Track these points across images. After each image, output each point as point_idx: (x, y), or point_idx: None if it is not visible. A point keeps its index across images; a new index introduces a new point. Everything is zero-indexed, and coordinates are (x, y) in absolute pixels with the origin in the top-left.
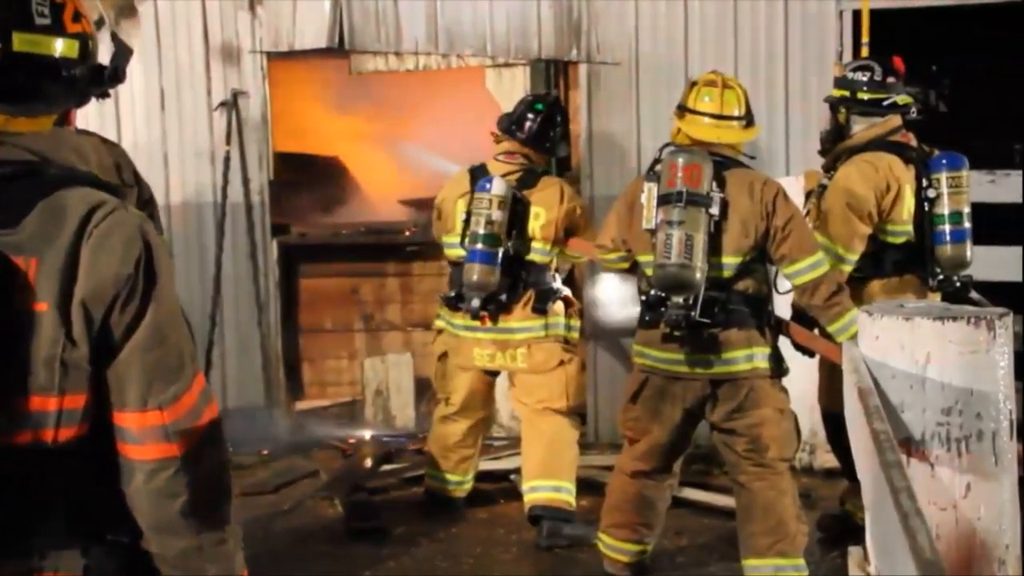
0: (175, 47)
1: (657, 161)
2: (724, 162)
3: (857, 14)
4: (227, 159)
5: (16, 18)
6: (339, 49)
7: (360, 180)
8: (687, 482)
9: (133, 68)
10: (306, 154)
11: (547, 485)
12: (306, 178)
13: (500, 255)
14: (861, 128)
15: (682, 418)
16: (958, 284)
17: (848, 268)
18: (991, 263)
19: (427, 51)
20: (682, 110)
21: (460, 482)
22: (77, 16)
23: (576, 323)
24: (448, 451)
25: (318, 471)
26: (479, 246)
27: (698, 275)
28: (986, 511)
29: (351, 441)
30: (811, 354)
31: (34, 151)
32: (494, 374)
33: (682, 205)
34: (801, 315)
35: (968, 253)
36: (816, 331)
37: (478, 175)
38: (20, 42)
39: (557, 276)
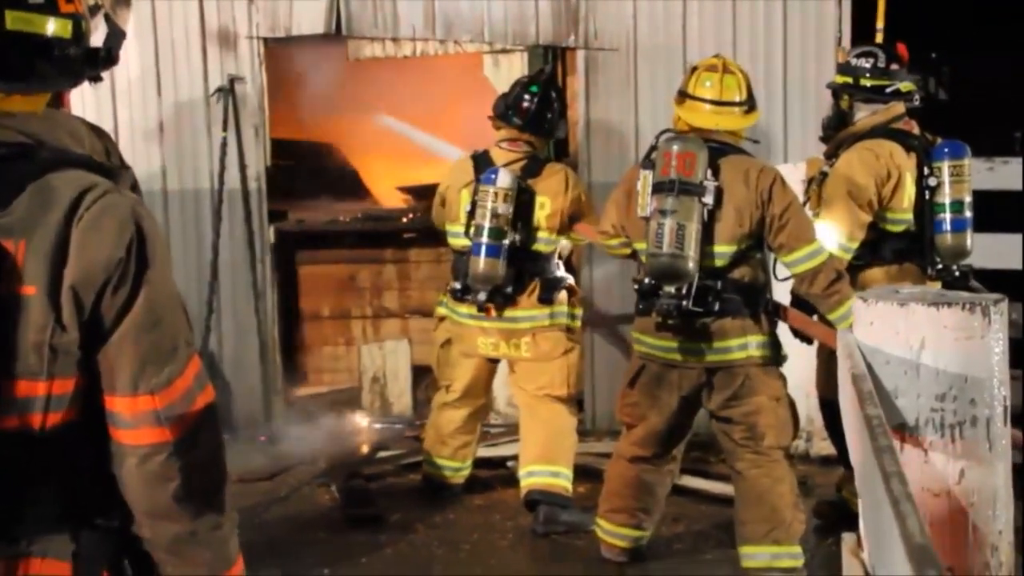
0: (171, 32)
1: (653, 148)
2: (721, 149)
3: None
4: (224, 145)
5: None
6: (336, 35)
7: (357, 167)
8: (685, 469)
9: (129, 53)
10: (303, 140)
11: (545, 470)
12: (303, 164)
13: (505, 247)
14: (863, 115)
15: (679, 405)
16: (957, 273)
17: (848, 256)
18: (990, 251)
19: (424, 37)
20: (682, 96)
21: (458, 468)
22: None
23: (579, 311)
24: (447, 437)
25: (315, 458)
26: (484, 239)
27: (690, 265)
28: (979, 497)
29: (347, 428)
30: (809, 341)
31: (27, 133)
32: (496, 361)
33: (675, 194)
34: (800, 303)
35: (968, 242)
36: (815, 318)
37: (481, 163)
38: (13, 20)
39: (561, 264)
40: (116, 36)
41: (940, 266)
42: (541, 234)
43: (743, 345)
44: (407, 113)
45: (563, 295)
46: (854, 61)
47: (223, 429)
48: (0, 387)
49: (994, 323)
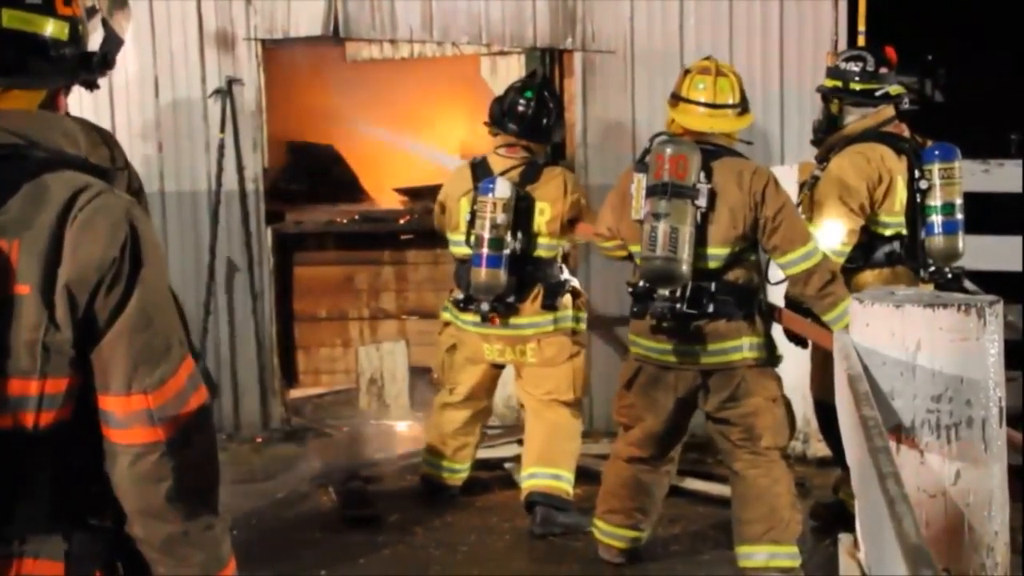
0: (169, 34)
1: (647, 151)
2: (715, 151)
3: (853, 2)
4: (221, 147)
5: None
6: (334, 37)
7: (355, 168)
8: (682, 470)
9: (127, 55)
10: (301, 142)
11: (546, 472)
12: (301, 166)
13: (506, 256)
14: (853, 119)
15: (675, 407)
16: (950, 275)
17: (840, 260)
18: (986, 253)
19: (422, 39)
20: (676, 98)
21: (457, 470)
22: (68, 0)
23: (583, 315)
24: (448, 438)
25: (313, 459)
26: (484, 250)
27: (684, 268)
28: (975, 498)
29: (345, 429)
30: (803, 344)
31: (21, 134)
32: (502, 366)
33: (668, 197)
34: (795, 305)
35: (960, 245)
36: (809, 320)
37: (480, 171)
38: (9, 18)
39: (564, 268)
40: (113, 42)
41: (932, 268)
42: (542, 240)
43: (738, 347)
44: (404, 114)
45: (567, 299)
46: (843, 65)
47: (220, 430)
48: None
49: (989, 325)
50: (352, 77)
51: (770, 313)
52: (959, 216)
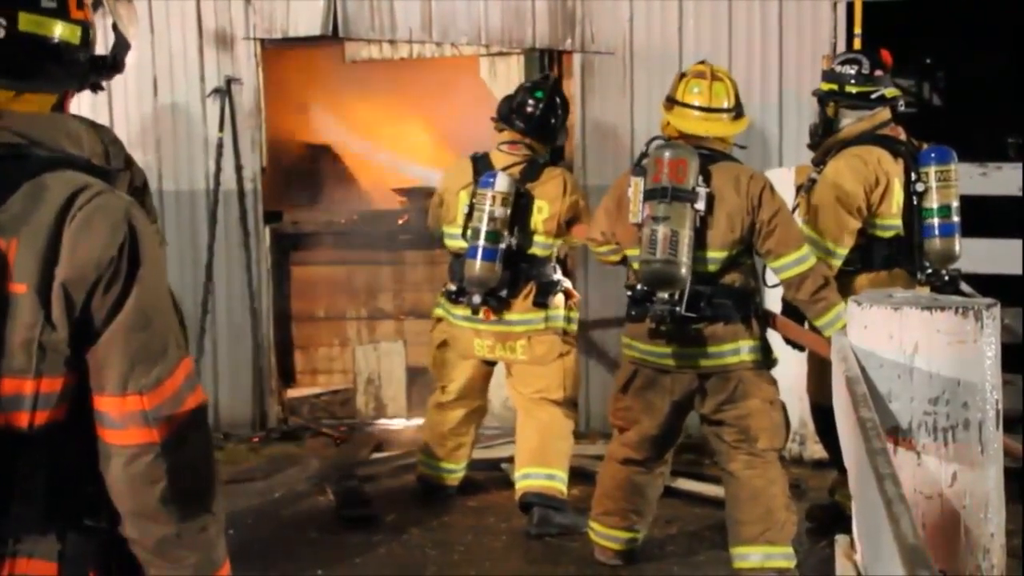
0: (168, 33)
1: (644, 155)
2: (711, 156)
3: (851, 6)
4: (220, 146)
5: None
6: (333, 37)
7: (353, 168)
8: (678, 471)
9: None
10: (299, 142)
11: (540, 473)
12: (299, 166)
13: (502, 250)
14: (850, 122)
15: (671, 410)
16: (947, 278)
17: (837, 263)
18: (984, 256)
19: (421, 39)
20: (671, 102)
21: (453, 470)
22: (81, 4)
23: (575, 315)
24: (443, 438)
25: (310, 459)
26: (481, 242)
27: (683, 271)
28: (972, 500)
29: (342, 429)
30: (801, 347)
31: (23, 134)
32: (492, 363)
33: (667, 201)
34: (792, 309)
35: (957, 247)
36: (805, 324)
37: (481, 166)
38: (25, 22)
39: (558, 268)
40: (122, 45)
41: (929, 271)
42: (538, 238)
43: (735, 350)
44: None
45: (559, 299)
46: (838, 68)
47: (217, 429)
48: None
49: (987, 328)
50: (351, 77)
51: (765, 318)
52: (956, 218)
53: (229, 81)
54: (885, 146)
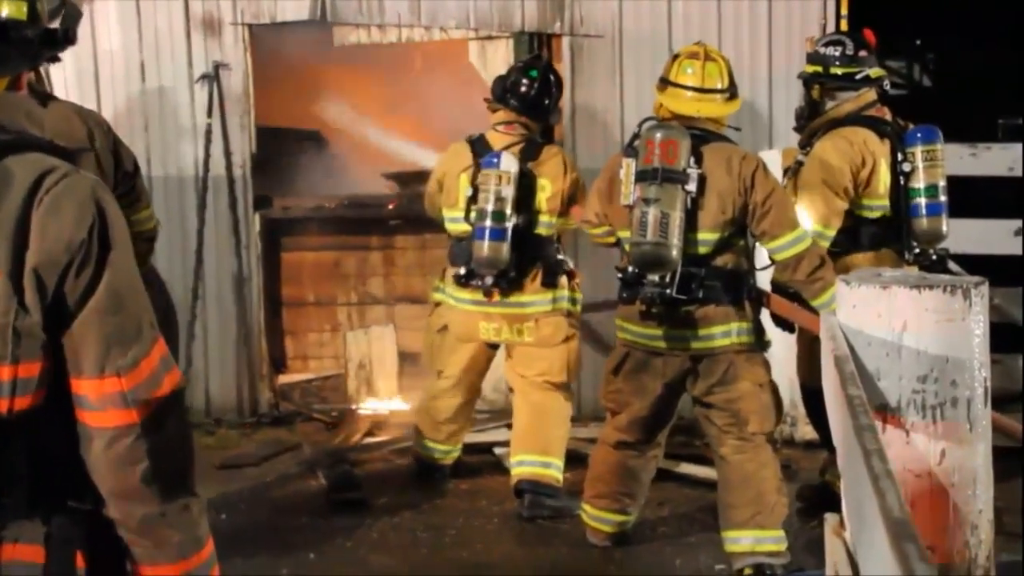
0: (155, 18)
1: (636, 136)
2: (703, 137)
3: None
4: (208, 132)
5: None
6: (321, 21)
7: (342, 153)
8: (669, 454)
9: (113, 40)
10: (288, 127)
11: (536, 460)
12: (288, 151)
13: (509, 230)
14: (835, 103)
15: (663, 391)
16: (935, 257)
17: (825, 244)
18: (973, 236)
19: (410, 24)
20: (664, 83)
21: (449, 451)
22: None
23: (579, 296)
24: (440, 424)
25: (301, 444)
26: (488, 223)
27: (674, 253)
28: (960, 477)
29: (334, 414)
30: (790, 329)
31: None
32: (495, 347)
33: (658, 182)
34: (781, 291)
35: (944, 226)
36: (796, 304)
37: (479, 148)
38: None
39: (561, 248)
40: (72, 16)
41: (917, 250)
42: (542, 217)
43: (727, 332)
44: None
45: (564, 279)
46: (822, 50)
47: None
48: None
49: (975, 306)
50: (339, 62)
51: (759, 298)
52: (943, 198)
53: (217, 66)
54: (871, 127)
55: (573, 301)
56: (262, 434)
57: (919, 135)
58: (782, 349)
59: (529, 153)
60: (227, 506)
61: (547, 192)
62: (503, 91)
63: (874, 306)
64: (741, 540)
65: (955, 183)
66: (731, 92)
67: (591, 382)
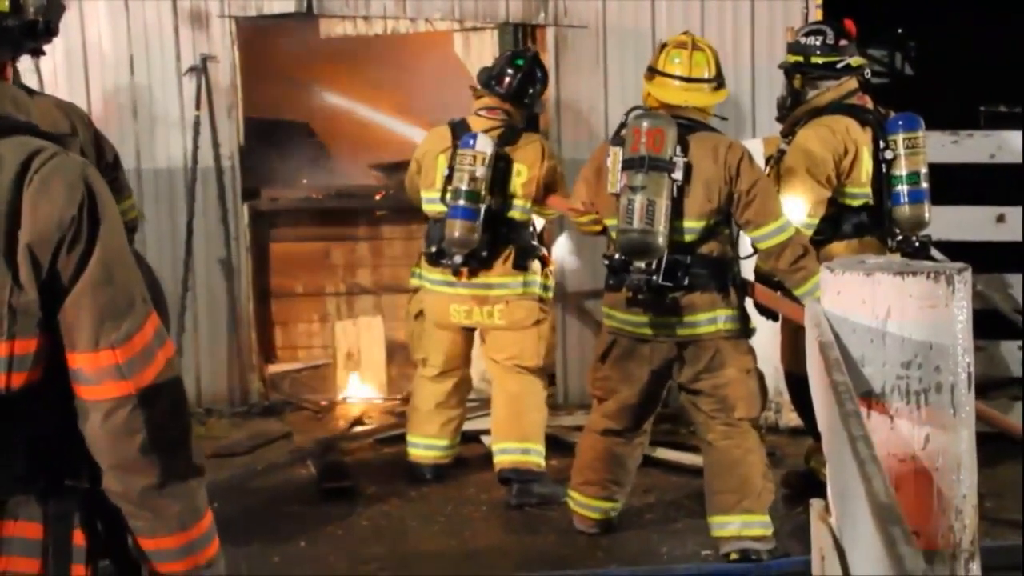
0: (143, 11)
1: (623, 125)
2: (690, 125)
3: None
4: (197, 124)
5: None
6: (308, 14)
7: (330, 144)
8: (656, 441)
9: (102, 33)
10: (276, 119)
11: (516, 448)
12: (276, 143)
13: (482, 212)
14: (817, 92)
15: (650, 378)
16: (917, 244)
17: (808, 232)
18: (955, 223)
19: (395, 16)
20: (652, 72)
21: (445, 446)
22: None
23: (551, 283)
24: (431, 414)
25: (291, 433)
26: (461, 202)
27: (660, 240)
28: (944, 462)
29: (323, 403)
30: (774, 317)
31: None
32: (472, 330)
33: (644, 170)
34: (765, 279)
35: (927, 213)
36: (779, 293)
37: (459, 130)
38: None
39: (536, 234)
40: (56, 9)
41: (900, 238)
42: (517, 202)
43: (712, 319)
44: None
45: (536, 264)
46: (803, 40)
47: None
48: None
49: (958, 292)
50: (326, 54)
51: (743, 287)
52: (925, 185)
53: (205, 59)
54: (853, 115)
55: (545, 287)
56: (252, 423)
57: (901, 123)
58: (766, 336)
59: (507, 138)
60: (218, 495)
61: (523, 177)
62: (488, 78)
63: (858, 293)
64: (728, 525)
65: (937, 170)
66: (718, 82)
67: (577, 370)
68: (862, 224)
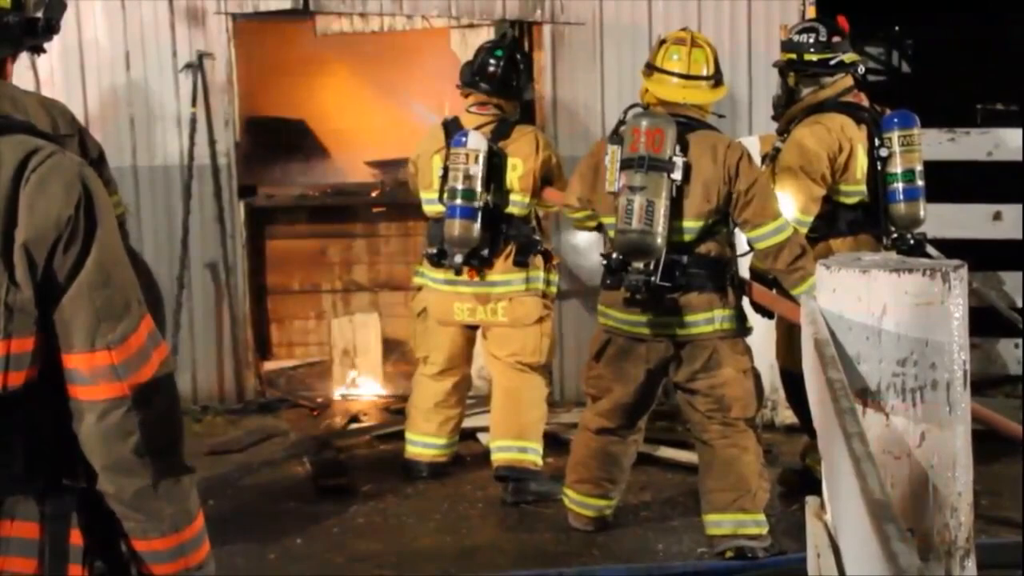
0: (140, 8)
1: (621, 123)
2: (689, 124)
3: None
4: (193, 121)
5: None
6: (304, 11)
7: (326, 142)
8: (651, 438)
9: (98, 29)
10: (272, 116)
11: (514, 446)
12: (272, 140)
13: (480, 209)
14: (811, 90)
15: (645, 378)
16: (912, 242)
17: (804, 230)
18: (951, 221)
19: (392, 12)
20: (650, 68)
21: (442, 445)
22: None
23: (555, 278)
24: (430, 412)
25: (287, 430)
26: (458, 201)
27: (659, 241)
28: (939, 460)
29: (319, 401)
30: (770, 315)
31: None
32: (474, 329)
33: (644, 170)
34: (760, 278)
35: (922, 211)
36: (775, 291)
37: (452, 129)
38: None
39: (537, 229)
40: (57, 7)
41: (895, 235)
42: (514, 196)
43: (709, 319)
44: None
45: (539, 260)
46: (796, 38)
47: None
48: None
49: (954, 289)
50: (323, 51)
51: (741, 287)
52: (920, 182)
53: (201, 56)
54: (848, 112)
55: (548, 283)
56: (248, 421)
57: (896, 120)
58: (763, 334)
59: (501, 132)
60: (214, 492)
61: (519, 171)
62: (472, 75)
63: (854, 290)
64: (723, 524)
65: (933, 168)
66: (716, 79)
67: (573, 367)
68: (857, 221)
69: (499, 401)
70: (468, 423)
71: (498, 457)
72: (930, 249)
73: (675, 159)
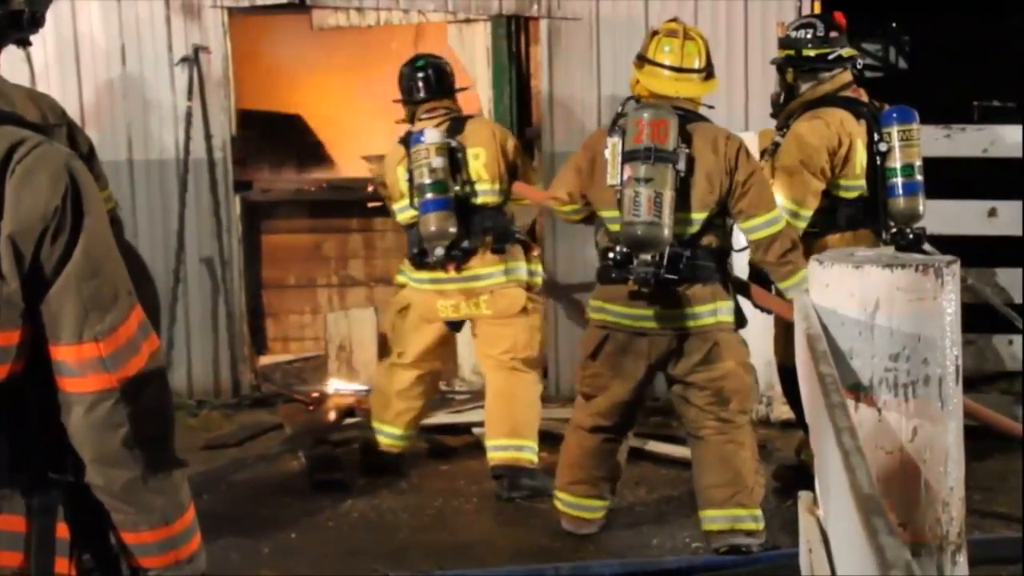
0: (135, 2)
1: (621, 115)
2: (688, 116)
3: None
4: (189, 115)
5: None
6: (300, 5)
7: (322, 136)
8: (646, 434)
9: (94, 23)
10: (268, 111)
11: (511, 444)
12: (268, 134)
13: (451, 200)
14: (810, 85)
15: (645, 373)
16: (911, 236)
17: (802, 225)
18: (947, 217)
19: (388, 7)
20: (641, 60)
21: (397, 435)
22: None
23: (538, 268)
24: (390, 400)
25: (282, 425)
26: (429, 195)
27: (666, 232)
28: (931, 455)
29: (314, 395)
30: (769, 310)
31: None
32: (456, 329)
33: (651, 162)
34: (759, 272)
35: (921, 206)
36: (772, 289)
37: (408, 139)
38: None
39: (514, 218)
40: (42, 0)
41: (894, 230)
42: (482, 185)
43: (712, 311)
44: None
45: (518, 250)
46: (793, 34)
47: (191, 396)
48: None
49: (947, 284)
50: (319, 45)
51: (741, 289)
52: (919, 177)
53: (197, 50)
54: (847, 107)
55: (531, 273)
56: (244, 415)
57: (895, 115)
58: (759, 329)
59: (455, 127)
60: (208, 486)
61: (482, 159)
62: (410, 91)
63: (847, 285)
64: (719, 519)
65: (930, 164)
66: (708, 72)
67: (568, 363)
68: (856, 216)
69: (494, 400)
70: (463, 417)
71: (495, 456)
72: (925, 245)
73: (679, 150)
